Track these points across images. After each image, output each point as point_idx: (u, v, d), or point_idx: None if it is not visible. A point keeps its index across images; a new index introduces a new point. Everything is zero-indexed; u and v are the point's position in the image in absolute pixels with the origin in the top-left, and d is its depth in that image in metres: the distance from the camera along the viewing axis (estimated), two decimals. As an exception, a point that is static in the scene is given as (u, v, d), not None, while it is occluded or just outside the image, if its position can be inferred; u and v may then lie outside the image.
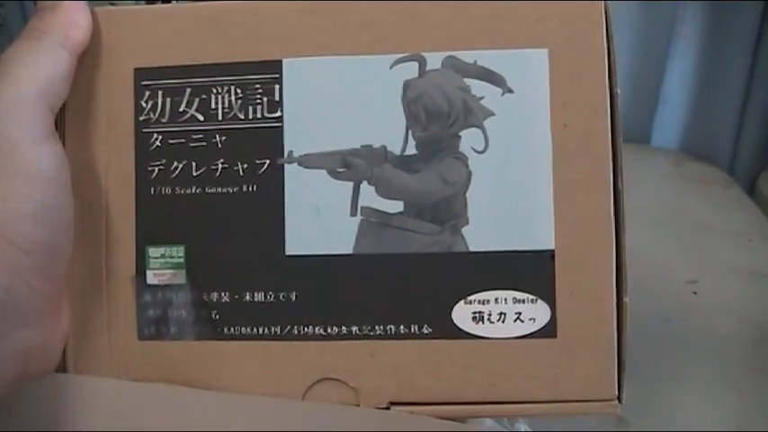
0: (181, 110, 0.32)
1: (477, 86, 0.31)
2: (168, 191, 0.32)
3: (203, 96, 0.32)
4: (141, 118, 0.33)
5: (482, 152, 0.31)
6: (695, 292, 0.60)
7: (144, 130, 0.33)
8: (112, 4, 0.33)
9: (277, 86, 0.32)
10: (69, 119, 0.33)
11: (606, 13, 0.31)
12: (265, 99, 0.32)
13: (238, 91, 0.32)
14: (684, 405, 0.51)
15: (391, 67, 0.32)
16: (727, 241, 0.65)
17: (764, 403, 0.50)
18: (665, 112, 0.83)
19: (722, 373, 0.53)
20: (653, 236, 0.63)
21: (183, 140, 0.32)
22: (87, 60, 0.32)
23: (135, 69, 0.33)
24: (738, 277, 0.61)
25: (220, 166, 0.32)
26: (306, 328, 0.32)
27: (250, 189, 0.32)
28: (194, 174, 0.32)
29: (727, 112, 0.81)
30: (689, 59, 0.82)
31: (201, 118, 0.32)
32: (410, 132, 0.31)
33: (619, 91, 0.31)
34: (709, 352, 0.55)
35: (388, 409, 0.31)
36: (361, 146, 0.32)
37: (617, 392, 0.31)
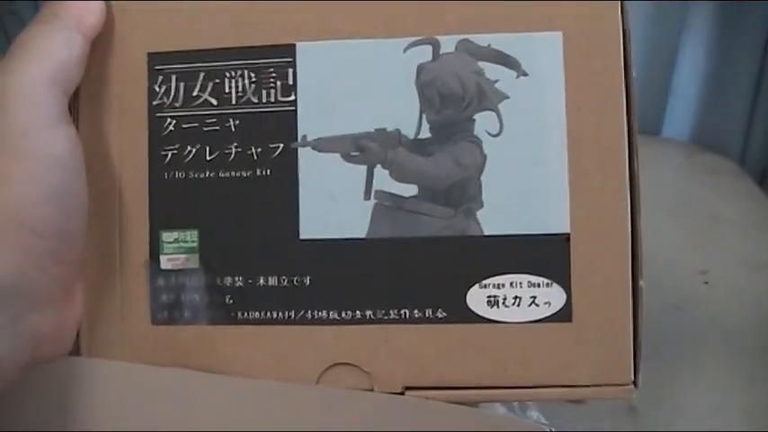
0: (194, 94, 0.32)
1: (491, 70, 0.31)
2: (182, 175, 0.32)
3: (217, 81, 0.32)
4: (154, 102, 0.33)
5: (496, 135, 0.31)
6: (706, 283, 0.59)
7: (157, 115, 0.33)
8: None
9: (291, 70, 0.32)
10: (82, 104, 0.33)
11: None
12: (279, 83, 0.32)
13: (252, 75, 0.32)
14: (695, 394, 0.51)
15: (405, 51, 0.31)
16: (738, 232, 0.65)
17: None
18: (676, 104, 0.83)
19: (733, 363, 0.53)
20: (664, 226, 0.63)
21: (196, 125, 0.32)
22: (100, 45, 0.32)
23: (148, 54, 0.33)
24: (749, 268, 0.61)
25: (234, 150, 0.32)
26: (320, 313, 0.32)
27: (264, 173, 0.32)
28: (208, 158, 0.32)
29: (738, 104, 0.81)
30: (700, 52, 0.81)
31: (215, 102, 0.32)
32: (424, 116, 0.31)
33: (634, 74, 0.31)
34: (719, 342, 0.55)
35: (402, 394, 0.31)
36: (375, 129, 0.31)
37: (633, 377, 0.31)
